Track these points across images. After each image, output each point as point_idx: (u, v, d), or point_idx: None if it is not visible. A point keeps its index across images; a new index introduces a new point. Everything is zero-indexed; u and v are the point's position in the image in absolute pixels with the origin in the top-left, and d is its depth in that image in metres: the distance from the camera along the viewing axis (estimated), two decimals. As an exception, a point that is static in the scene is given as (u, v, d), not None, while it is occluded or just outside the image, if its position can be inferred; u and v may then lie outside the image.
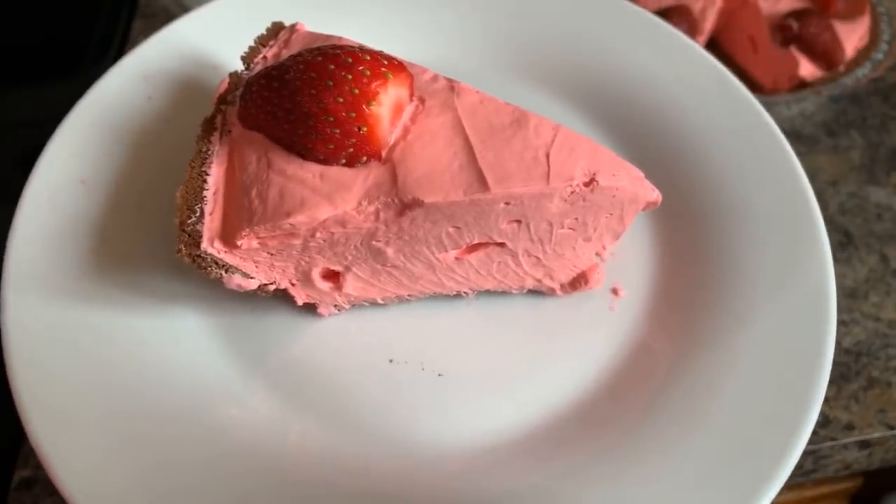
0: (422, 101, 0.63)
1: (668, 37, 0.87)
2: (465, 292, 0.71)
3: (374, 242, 0.63)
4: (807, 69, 1.05)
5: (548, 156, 0.61)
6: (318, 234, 0.60)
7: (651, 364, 0.69)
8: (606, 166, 0.62)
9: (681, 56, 0.86)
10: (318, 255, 0.63)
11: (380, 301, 0.70)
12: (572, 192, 0.61)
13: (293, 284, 0.66)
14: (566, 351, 0.70)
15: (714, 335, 0.68)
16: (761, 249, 0.72)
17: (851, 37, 1.07)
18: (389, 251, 0.64)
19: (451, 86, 0.65)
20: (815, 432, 0.78)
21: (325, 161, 0.60)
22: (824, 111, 1.11)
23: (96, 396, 0.61)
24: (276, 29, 0.70)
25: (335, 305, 0.70)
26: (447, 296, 0.72)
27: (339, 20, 0.77)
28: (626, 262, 0.75)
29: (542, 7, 0.90)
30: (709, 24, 1.10)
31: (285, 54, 0.67)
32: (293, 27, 0.70)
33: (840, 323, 0.88)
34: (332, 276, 0.67)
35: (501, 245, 0.66)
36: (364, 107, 0.58)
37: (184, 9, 1.04)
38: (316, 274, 0.65)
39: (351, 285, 0.67)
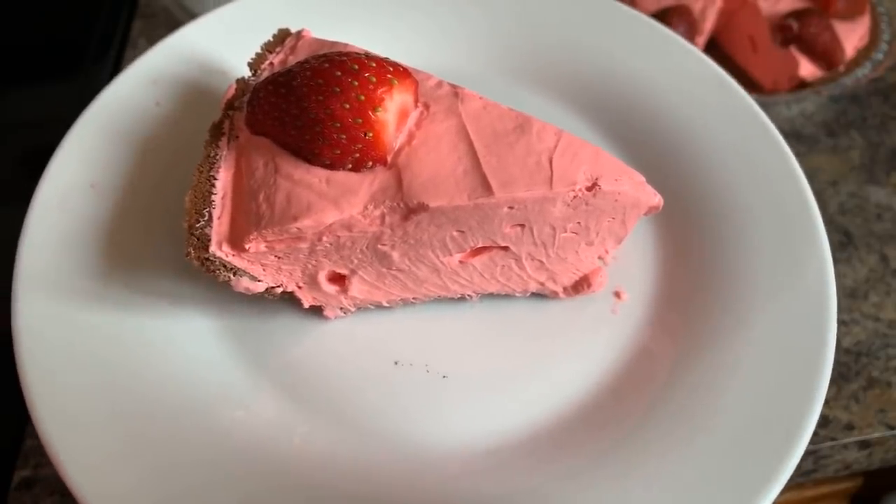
0: (426, 106, 0.64)
1: (669, 42, 0.88)
2: (469, 295, 0.72)
3: (379, 246, 0.63)
4: (807, 69, 1.06)
5: (551, 161, 0.61)
6: (324, 238, 0.61)
7: (653, 366, 0.69)
8: (609, 171, 0.62)
9: (682, 61, 0.86)
10: (325, 259, 0.64)
11: (385, 304, 0.71)
12: (575, 197, 0.62)
13: (300, 287, 0.67)
14: (569, 353, 0.71)
15: (715, 337, 0.69)
16: (762, 252, 0.72)
17: (851, 37, 1.08)
18: (395, 255, 0.65)
19: (456, 92, 0.65)
20: (815, 432, 0.78)
21: (331, 166, 0.60)
22: (824, 111, 1.12)
23: (105, 397, 0.62)
24: (283, 35, 0.71)
25: (341, 308, 0.70)
26: (451, 299, 0.72)
27: (344, 27, 0.77)
28: (629, 265, 0.76)
29: (545, 13, 0.91)
30: (709, 25, 1.10)
31: (292, 61, 0.67)
32: (299, 34, 0.70)
33: (840, 323, 0.88)
34: (338, 279, 0.67)
35: (505, 249, 0.67)
36: (370, 113, 0.58)
37: (184, 9, 1.04)
38: (322, 277, 0.66)
39: (357, 288, 0.68)
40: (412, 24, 0.89)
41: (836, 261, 0.83)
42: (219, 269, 0.59)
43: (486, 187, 0.60)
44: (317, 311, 0.70)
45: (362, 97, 0.58)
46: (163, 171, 0.74)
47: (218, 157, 0.64)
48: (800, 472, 0.87)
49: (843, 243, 0.97)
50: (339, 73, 0.58)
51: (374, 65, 0.59)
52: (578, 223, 0.66)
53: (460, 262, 0.67)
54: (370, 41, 0.71)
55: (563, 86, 0.88)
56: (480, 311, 0.73)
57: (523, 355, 0.71)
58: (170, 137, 0.76)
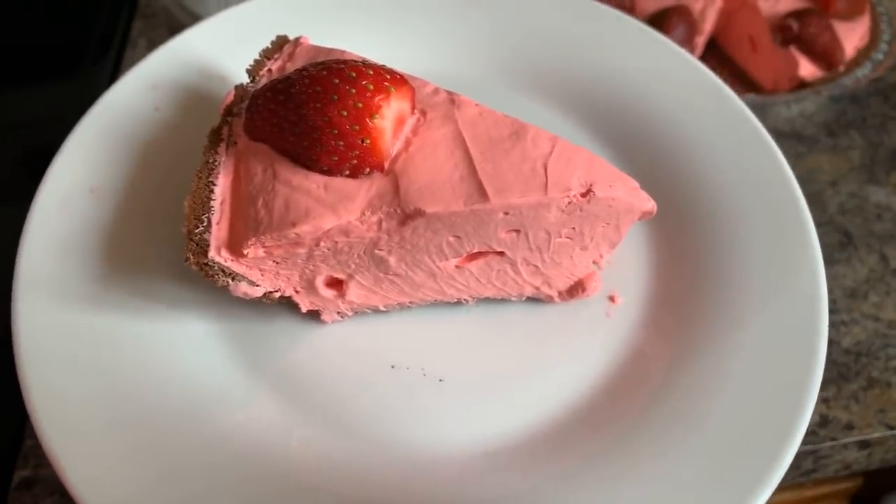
0: (423, 113, 0.64)
1: (663, 49, 0.88)
2: (465, 299, 0.72)
3: (376, 251, 0.64)
4: (807, 69, 1.06)
5: (545, 167, 0.62)
6: (322, 244, 0.61)
7: (647, 369, 0.70)
8: (603, 177, 0.63)
9: (676, 67, 0.86)
10: (322, 264, 0.64)
11: (382, 308, 0.71)
12: (569, 203, 0.62)
13: (298, 292, 0.67)
14: (564, 356, 0.71)
15: (709, 340, 0.69)
16: (754, 256, 0.72)
17: (851, 37, 1.08)
18: (392, 260, 0.65)
19: (452, 98, 0.66)
20: (815, 432, 0.79)
21: (329, 172, 0.61)
22: (824, 111, 1.12)
23: (104, 400, 0.62)
24: (281, 42, 0.71)
25: (338, 312, 0.71)
26: (448, 303, 0.73)
27: (342, 34, 0.78)
28: (623, 269, 0.76)
29: (541, 20, 0.91)
30: (708, 25, 1.10)
31: (290, 67, 0.68)
32: (297, 41, 0.71)
33: (840, 323, 0.89)
34: (336, 283, 0.68)
35: (501, 254, 0.67)
36: (367, 120, 0.59)
37: (184, 9, 1.04)
38: (320, 282, 0.66)
39: (354, 293, 0.68)
40: (409, 31, 0.89)
41: (836, 261, 0.83)
42: (217, 274, 0.60)
43: (482, 193, 0.60)
44: (314, 315, 0.71)
45: (360, 104, 0.58)
46: (162, 175, 0.75)
47: (217, 163, 0.64)
48: (800, 472, 0.87)
49: (843, 243, 0.97)
50: (336, 81, 0.58)
51: (371, 72, 0.60)
52: (573, 228, 0.66)
53: (456, 266, 0.68)
54: (368, 48, 0.72)
55: (558, 92, 0.88)
56: (476, 315, 0.74)
57: (519, 359, 0.71)
58: (169, 142, 0.77)
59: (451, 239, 0.64)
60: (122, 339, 0.66)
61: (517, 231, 0.65)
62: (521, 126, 0.64)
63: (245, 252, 0.60)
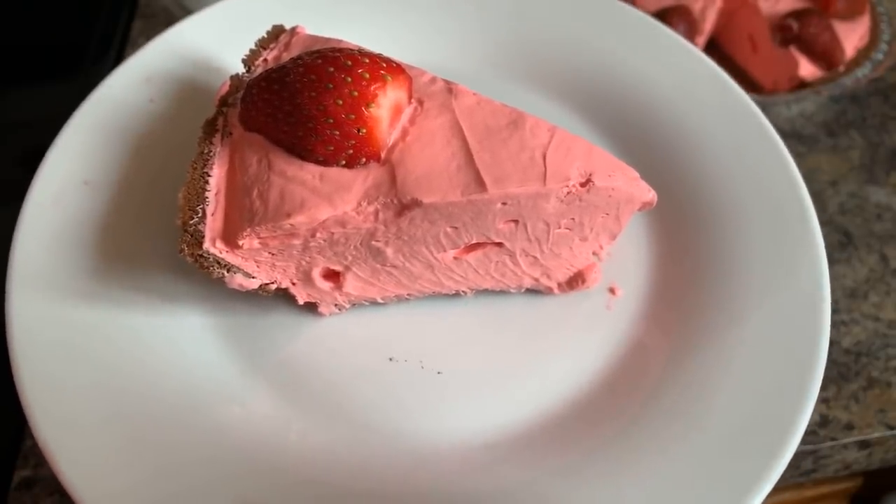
0: (420, 102, 0.64)
1: (664, 39, 0.88)
2: (463, 291, 0.72)
3: (373, 242, 0.63)
4: (807, 69, 1.05)
5: (544, 157, 0.61)
6: (318, 235, 0.61)
7: (647, 362, 0.69)
8: (602, 167, 0.62)
9: (677, 58, 0.86)
10: (319, 255, 0.64)
11: (380, 300, 0.71)
12: (568, 193, 0.62)
13: (294, 284, 0.67)
14: (563, 349, 0.71)
15: (709, 334, 0.69)
16: (756, 249, 0.72)
17: (851, 37, 1.07)
18: (389, 251, 0.65)
19: (449, 88, 0.65)
20: (815, 432, 0.79)
21: (324, 162, 0.60)
22: (824, 111, 1.11)
23: (100, 395, 0.62)
24: (277, 32, 0.71)
25: (336, 305, 0.70)
26: (446, 295, 0.72)
27: (338, 23, 0.77)
28: (623, 261, 0.76)
29: (540, 9, 0.90)
30: (709, 25, 1.10)
31: (286, 57, 0.67)
32: (293, 30, 0.70)
33: (840, 323, 0.88)
34: (333, 275, 0.67)
35: (499, 245, 0.67)
36: (363, 109, 0.58)
37: (184, 9, 1.04)
38: (316, 273, 0.66)
39: (351, 285, 0.68)
40: (407, 20, 0.89)
41: (836, 261, 0.83)
42: (212, 266, 0.59)
43: (480, 183, 0.60)
44: (311, 307, 0.70)
45: (355, 93, 0.58)
46: (157, 167, 0.74)
47: (212, 154, 0.64)
48: (800, 471, 0.86)
49: (843, 243, 0.97)
50: (332, 69, 0.58)
51: (367, 61, 0.59)
52: (572, 219, 0.66)
53: (454, 258, 0.67)
54: (364, 37, 0.71)
55: (557, 82, 0.88)
56: (475, 307, 0.73)
57: (518, 351, 0.71)
58: (164, 134, 0.76)
59: (448, 230, 0.64)
60: (117, 333, 0.66)
61: (516, 222, 0.64)
62: (519, 115, 0.64)
63: (240, 243, 0.60)
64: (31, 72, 1.12)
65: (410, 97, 0.64)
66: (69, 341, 0.64)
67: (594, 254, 0.73)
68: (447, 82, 0.66)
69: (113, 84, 0.78)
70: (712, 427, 0.63)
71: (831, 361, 0.84)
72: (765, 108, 0.80)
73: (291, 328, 0.71)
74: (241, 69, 0.70)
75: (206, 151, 0.64)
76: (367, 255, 0.65)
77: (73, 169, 0.72)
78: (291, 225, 0.59)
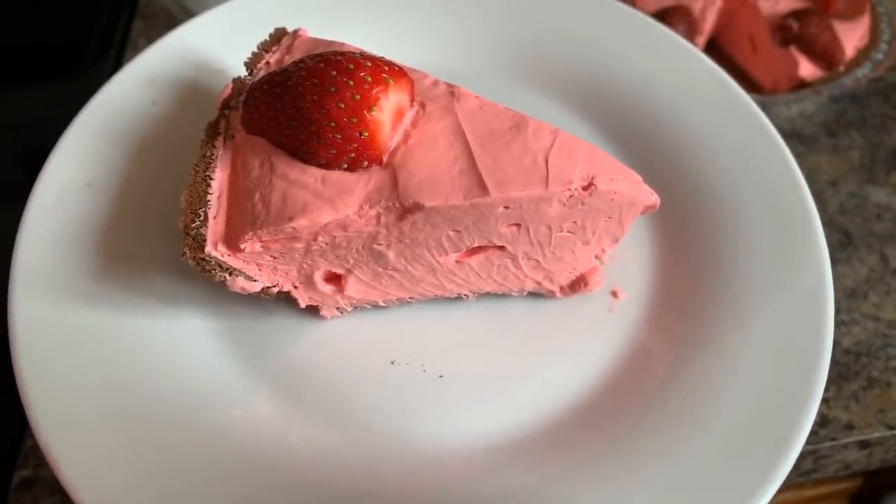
0: (422, 106, 0.64)
1: (666, 41, 0.87)
2: (465, 295, 0.72)
3: (375, 246, 0.63)
4: (807, 69, 1.05)
5: (546, 160, 0.61)
6: (320, 238, 0.61)
7: (650, 365, 0.69)
8: (605, 170, 0.62)
9: (679, 60, 0.86)
10: (321, 259, 0.64)
11: (381, 303, 0.71)
12: (571, 196, 0.62)
13: (296, 287, 0.67)
14: (566, 353, 0.71)
15: (713, 337, 0.68)
16: (759, 251, 0.72)
17: (851, 37, 1.07)
18: (391, 254, 0.65)
19: (452, 91, 0.65)
20: (814, 432, 0.79)
21: (326, 165, 0.60)
22: (824, 111, 1.11)
23: (102, 397, 0.62)
24: (279, 35, 0.71)
25: (337, 308, 0.70)
26: (448, 298, 0.72)
27: (341, 26, 0.77)
28: (625, 264, 0.76)
29: (542, 11, 0.90)
30: (708, 25, 1.10)
31: (288, 60, 0.67)
32: (296, 33, 0.70)
33: (840, 323, 0.89)
34: (335, 278, 0.67)
35: (501, 248, 0.67)
36: (365, 112, 0.58)
37: (184, 9, 1.04)
38: (318, 277, 0.66)
39: (353, 288, 0.68)
40: (409, 24, 0.89)
41: (836, 261, 0.83)
42: (214, 269, 0.59)
43: (482, 187, 0.60)
44: (313, 310, 0.70)
45: (357, 97, 0.58)
46: (159, 170, 0.74)
47: (214, 157, 0.64)
48: (800, 471, 0.86)
49: (843, 243, 0.96)
50: (334, 73, 0.58)
51: (369, 64, 0.59)
52: (575, 222, 0.66)
53: (456, 261, 0.67)
54: (367, 40, 0.71)
55: (560, 84, 0.88)
56: (477, 310, 0.73)
57: (520, 355, 0.71)
58: (166, 137, 0.76)
59: (450, 233, 0.63)
60: (119, 335, 0.66)
61: (518, 225, 0.64)
62: (521, 118, 0.64)
63: (242, 246, 0.60)
64: (31, 72, 1.12)
65: (412, 100, 0.64)
66: (71, 343, 0.64)
67: (596, 257, 0.72)
68: (449, 85, 0.66)
69: (116, 86, 0.78)
70: (716, 430, 0.62)
71: (831, 361, 0.83)
72: (765, 108, 0.80)
73: (293, 331, 0.71)
74: (243, 72, 0.70)
75: (208, 154, 0.64)
76: (368, 259, 0.65)
77: (75, 171, 0.72)
78: (293, 228, 0.59)
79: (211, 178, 0.63)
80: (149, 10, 1.20)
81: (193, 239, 0.60)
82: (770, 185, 0.75)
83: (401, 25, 0.89)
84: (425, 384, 0.68)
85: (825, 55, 1.05)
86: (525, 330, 0.72)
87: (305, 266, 0.64)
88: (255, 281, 0.62)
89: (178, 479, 0.59)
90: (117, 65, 1.12)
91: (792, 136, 1.07)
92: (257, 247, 0.61)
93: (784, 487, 0.60)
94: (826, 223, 0.97)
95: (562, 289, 0.73)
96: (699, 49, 1.04)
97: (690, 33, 1.05)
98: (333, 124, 0.58)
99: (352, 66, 0.58)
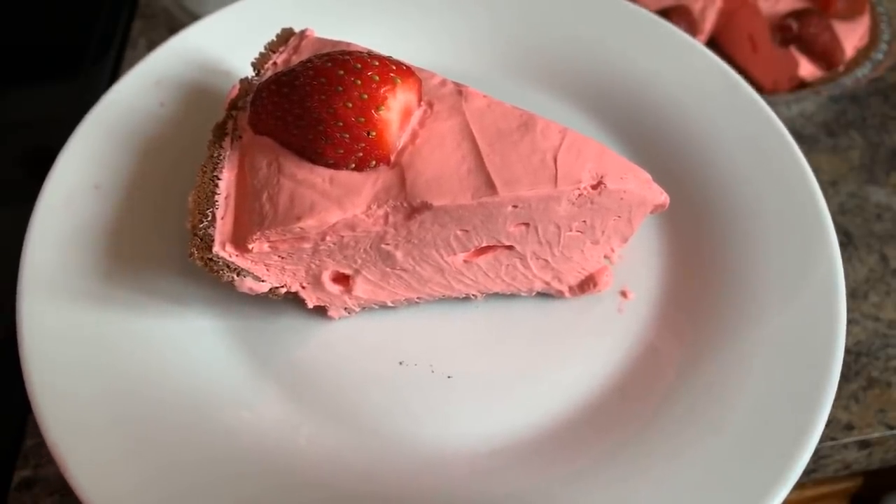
0: (430, 105, 0.64)
1: (674, 39, 0.87)
2: (473, 295, 0.72)
3: (383, 246, 0.63)
4: (807, 69, 1.06)
5: (555, 159, 0.61)
6: (327, 238, 0.61)
7: (660, 366, 0.69)
8: (614, 169, 0.62)
9: (688, 58, 0.86)
10: (328, 259, 0.64)
11: (389, 304, 0.71)
12: (580, 195, 0.62)
13: (304, 287, 0.67)
14: (575, 353, 0.71)
15: (723, 337, 0.68)
16: (770, 251, 0.72)
17: (851, 37, 1.08)
18: (398, 254, 0.65)
19: (459, 90, 0.65)
20: (814, 432, 0.78)
21: (334, 165, 0.60)
22: (824, 111, 1.12)
23: (110, 397, 0.62)
24: (286, 35, 0.71)
25: (345, 308, 0.70)
26: (456, 298, 0.72)
27: (348, 26, 0.77)
28: (635, 264, 0.76)
29: (550, 10, 0.90)
30: (708, 25, 1.10)
31: (295, 60, 0.67)
32: (303, 33, 0.70)
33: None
34: (342, 279, 0.67)
35: (510, 248, 0.67)
36: (373, 112, 0.58)
37: (184, 9, 1.04)
38: (326, 277, 0.66)
39: (361, 288, 0.68)
40: (416, 23, 0.89)
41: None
42: (222, 270, 0.59)
43: (490, 186, 0.60)
44: (321, 311, 0.70)
45: (365, 96, 0.58)
46: (167, 171, 0.74)
47: (221, 158, 0.64)
48: (800, 471, 0.87)
49: (843, 243, 0.97)
50: (341, 72, 0.58)
51: (377, 63, 0.59)
52: (584, 222, 0.66)
53: (465, 261, 0.67)
54: (374, 40, 0.71)
55: (568, 83, 0.88)
56: (485, 310, 0.73)
57: (528, 355, 0.70)
58: (174, 138, 0.76)
59: (458, 233, 0.63)
60: (127, 336, 0.66)
61: (526, 225, 0.64)
62: (530, 117, 0.64)
63: (250, 247, 0.60)
64: (31, 72, 1.12)
65: (420, 100, 0.64)
66: (79, 344, 0.64)
67: (605, 257, 0.73)
68: (457, 84, 0.66)
69: (123, 88, 0.78)
70: (727, 431, 0.62)
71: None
72: (766, 109, 0.80)
73: (301, 332, 0.71)
74: (250, 72, 0.69)
75: (215, 155, 0.64)
76: (376, 259, 0.65)
77: (83, 173, 0.72)
78: (301, 228, 0.59)
79: (219, 179, 0.63)
80: (149, 10, 1.20)
81: (201, 239, 0.59)
82: (780, 183, 0.75)
83: (408, 25, 0.89)
84: (434, 385, 0.68)
85: (825, 55, 1.06)
86: (534, 330, 0.72)
87: (313, 266, 0.64)
88: (262, 281, 0.62)
89: (186, 479, 0.59)
90: (117, 65, 1.12)
91: (792, 136, 1.07)
92: (265, 247, 0.60)
93: (785, 487, 0.60)
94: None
95: (571, 289, 0.73)
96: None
97: (690, 33, 1.05)
98: (341, 124, 0.58)
99: (359, 66, 0.58)
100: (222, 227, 0.61)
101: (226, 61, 0.82)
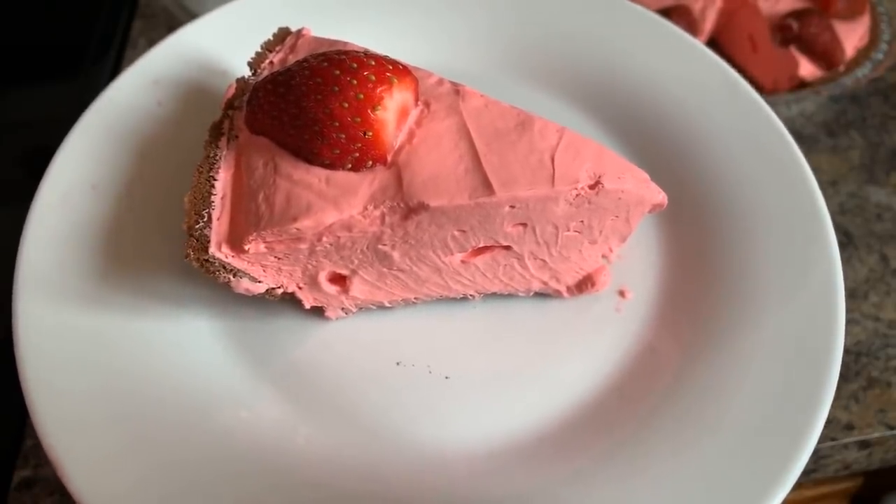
0: (427, 104, 0.64)
1: (673, 38, 0.87)
2: (471, 295, 0.72)
3: (380, 246, 0.63)
4: (807, 69, 1.05)
5: (553, 159, 0.61)
6: (324, 239, 0.61)
7: (658, 366, 0.69)
8: (612, 169, 0.62)
9: (686, 57, 0.86)
10: (325, 259, 0.64)
11: (387, 304, 0.71)
12: (577, 195, 0.62)
13: (300, 288, 0.66)
14: (573, 353, 0.70)
15: (721, 337, 0.68)
16: (769, 250, 0.72)
17: (851, 37, 1.08)
18: (395, 255, 0.64)
19: (456, 89, 0.65)
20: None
21: (330, 166, 0.60)
22: (824, 111, 1.12)
23: (106, 398, 0.62)
24: (283, 34, 0.71)
25: (342, 308, 0.70)
26: (454, 298, 0.72)
27: (344, 25, 0.77)
28: (633, 263, 0.75)
29: (547, 9, 0.90)
30: (709, 25, 1.10)
31: (292, 59, 0.67)
32: (299, 32, 0.70)
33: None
34: (339, 279, 0.67)
35: (507, 248, 0.66)
36: (369, 112, 0.58)
37: (184, 9, 1.04)
38: (323, 277, 0.66)
39: (358, 289, 0.67)
40: (413, 22, 0.89)
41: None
42: (219, 271, 0.59)
43: (487, 186, 0.59)
44: (318, 311, 0.70)
45: (361, 96, 0.58)
46: (165, 171, 0.74)
47: (218, 158, 0.64)
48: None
49: (843, 243, 0.96)
50: (337, 72, 0.58)
51: (373, 63, 0.59)
52: (581, 222, 0.65)
53: (462, 261, 0.67)
54: (370, 39, 0.71)
55: (566, 82, 0.88)
56: (483, 310, 0.73)
57: (526, 355, 0.70)
58: (171, 137, 0.76)
59: (456, 233, 0.63)
60: (124, 337, 0.66)
61: (524, 225, 0.64)
62: (527, 117, 0.63)
63: (246, 248, 0.60)
64: (31, 72, 1.12)
65: (417, 99, 0.63)
66: (75, 344, 0.64)
67: (603, 256, 0.72)
68: (454, 84, 0.65)
69: (120, 87, 0.78)
70: (725, 432, 0.62)
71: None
72: (766, 109, 0.80)
73: (298, 332, 0.71)
74: (247, 72, 0.69)
75: (212, 155, 0.64)
76: (373, 259, 0.65)
77: (80, 172, 0.72)
78: (297, 229, 0.59)
79: (215, 179, 0.62)
80: (149, 10, 1.20)
81: (197, 240, 0.59)
82: (779, 183, 0.75)
83: (405, 24, 0.88)
84: (431, 385, 0.68)
85: (825, 55, 1.05)
86: (531, 330, 0.72)
87: (310, 267, 0.64)
88: (259, 282, 0.62)
89: (183, 480, 0.59)
90: (117, 65, 1.12)
91: (792, 135, 1.06)
92: (261, 248, 0.60)
93: (784, 488, 0.60)
94: (826, 223, 0.97)
95: (568, 288, 0.73)
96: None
97: (690, 33, 1.05)
98: (337, 124, 0.58)
99: (355, 65, 0.58)
100: (218, 228, 0.61)
101: (223, 60, 0.81)
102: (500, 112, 0.64)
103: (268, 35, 0.71)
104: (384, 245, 0.63)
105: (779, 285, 0.69)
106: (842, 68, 1.06)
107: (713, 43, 1.15)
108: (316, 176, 0.60)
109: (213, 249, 0.59)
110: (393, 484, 0.62)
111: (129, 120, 0.76)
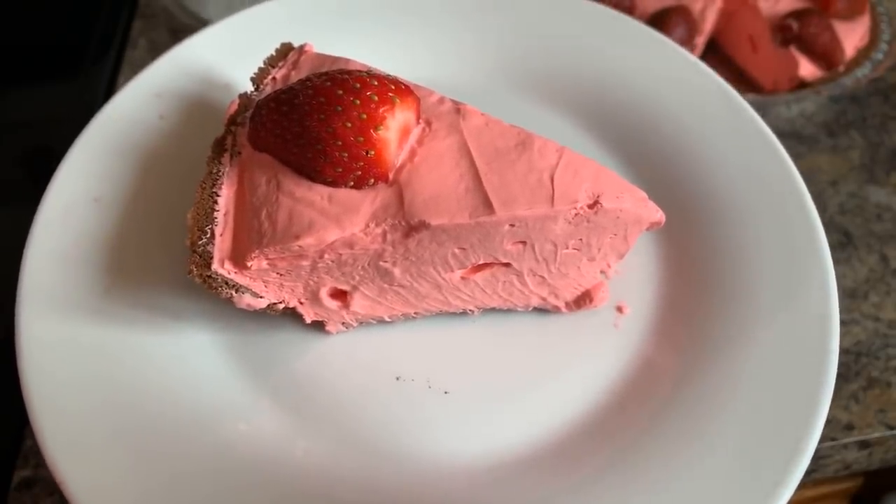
0: (428, 123, 0.64)
1: (671, 55, 0.87)
2: (470, 310, 0.72)
3: (381, 263, 0.64)
4: (807, 69, 1.05)
5: (552, 178, 0.61)
6: (326, 256, 0.61)
7: (656, 380, 0.69)
8: (610, 188, 0.62)
9: (684, 73, 0.86)
10: (327, 276, 0.64)
11: (387, 319, 0.71)
12: (576, 214, 0.62)
13: (302, 303, 0.67)
14: (571, 368, 0.71)
15: (718, 351, 0.68)
16: (764, 264, 0.72)
17: (851, 37, 1.08)
18: (396, 271, 0.65)
19: (458, 108, 0.65)
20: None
21: (333, 183, 0.60)
22: (824, 111, 1.12)
23: (109, 411, 0.62)
24: (285, 50, 0.71)
25: (343, 323, 0.70)
26: (453, 314, 0.72)
27: (347, 41, 0.78)
28: (631, 279, 0.75)
29: (547, 26, 0.90)
30: (709, 25, 1.10)
31: (294, 76, 0.67)
32: (302, 48, 0.70)
33: (840, 323, 0.88)
34: (340, 295, 0.67)
35: (507, 265, 0.67)
36: (372, 131, 0.58)
37: (184, 9, 1.04)
38: (324, 293, 0.66)
39: (358, 304, 0.68)
40: (416, 38, 0.89)
41: (836, 261, 0.83)
42: (221, 287, 0.59)
43: (488, 205, 0.60)
44: (319, 326, 0.70)
45: (364, 116, 0.58)
46: (167, 185, 0.74)
47: (220, 174, 0.64)
48: (799, 472, 0.87)
49: (843, 243, 0.97)
50: (340, 92, 0.58)
51: (375, 83, 0.59)
52: (580, 240, 0.66)
53: (462, 278, 0.67)
54: (373, 55, 0.71)
55: (565, 99, 0.88)
56: (482, 325, 0.73)
57: (525, 370, 0.70)
58: (174, 151, 0.76)
59: (456, 251, 0.64)
60: (125, 350, 0.66)
61: (523, 243, 0.64)
62: (527, 136, 0.64)
63: (248, 264, 0.60)
64: (31, 72, 1.12)
65: (419, 118, 0.64)
66: (77, 358, 0.64)
67: (602, 272, 0.73)
68: (455, 102, 0.66)
69: (123, 99, 0.78)
70: (723, 445, 0.63)
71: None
72: (765, 108, 0.80)
73: (299, 346, 0.71)
74: (249, 86, 0.70)
75: (214, 171, 0.64)
76: (374, 275, 0.65)
77: (82, 186, 0.72)
78: (300, 247, 0.59)
79: (217, 195, 0.63)
80: (149, 10, 1.19)
81: (200, 256, 0.60)
82: (773, 198, 0.75)
83: (407, 41, 0.88)
84: (431, 400, 0.68)
85: (825, 55, 1.05)
86: (530, 345, 0.72)
87: (311, 283, 0.65)
88: (261, 297, 0.62)
89: (183, 493, 0.60)
90: (117, 65, 1.12)
91: (792, 136, 1.07)
92: (264, 264, 0.61)
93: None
94: (826, 223, 0.96)
95: (567, 304, 0.73)
96: (699, 49, 1.05)
97: (690, 33, 1.05)
98: (340, 143, 0.58)
99: (358, 85, 0.58)
100: (221, 245, 0.61)
101: (225, 74, 0.82)
102: (501, 131, 0.64)
103: (270, 49, 0.71)
104: (385, 262, 0.64)
105: (774, 299, 0.70)
106: (842, 68, 1.06)
107: (713, 43, 1.15)
108: (318, 193, 0.61)
109: (215, 266, 0.60)
110: (392, 498, 0.63)
111: (131, 133, 0.76)
